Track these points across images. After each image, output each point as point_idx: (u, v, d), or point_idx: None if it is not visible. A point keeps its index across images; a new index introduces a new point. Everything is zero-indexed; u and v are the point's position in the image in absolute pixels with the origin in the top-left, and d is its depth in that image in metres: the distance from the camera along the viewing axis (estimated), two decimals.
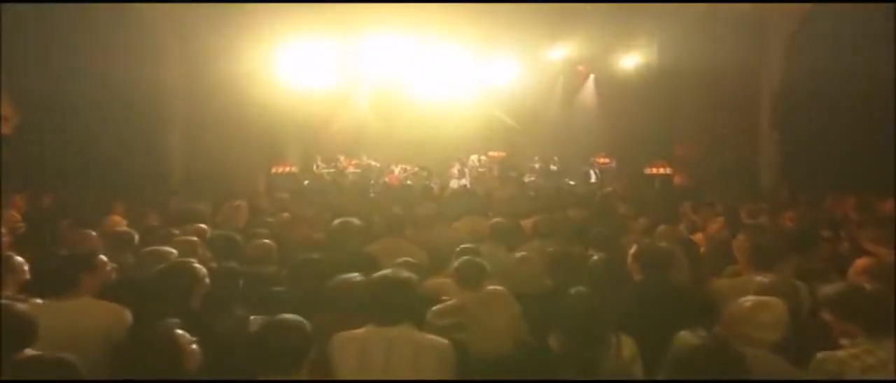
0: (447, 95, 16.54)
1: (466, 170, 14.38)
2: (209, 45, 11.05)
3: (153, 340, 2.18)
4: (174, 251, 3.63)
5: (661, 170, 12.76)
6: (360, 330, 2.52)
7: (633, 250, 3.31)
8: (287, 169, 13.27)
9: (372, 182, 13.50)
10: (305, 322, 2.27)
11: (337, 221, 4.35)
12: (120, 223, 5.14)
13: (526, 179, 14.45)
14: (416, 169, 15.09)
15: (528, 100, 16.45)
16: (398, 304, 2.54)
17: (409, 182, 13.23)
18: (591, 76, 16.26)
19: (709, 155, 11.83)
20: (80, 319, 2.70)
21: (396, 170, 14.53)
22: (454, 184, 12.14)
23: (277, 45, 12.53)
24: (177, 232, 4.39)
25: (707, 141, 11.91)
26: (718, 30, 11.20)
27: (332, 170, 14.33)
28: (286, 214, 5.52)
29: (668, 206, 6.16)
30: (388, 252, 4.00)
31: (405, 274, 2.70)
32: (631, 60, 14.94)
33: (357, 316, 2.61)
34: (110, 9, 9.33)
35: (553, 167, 14.67)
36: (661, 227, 4.46)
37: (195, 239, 4.06)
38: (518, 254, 4.03)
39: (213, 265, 3.49)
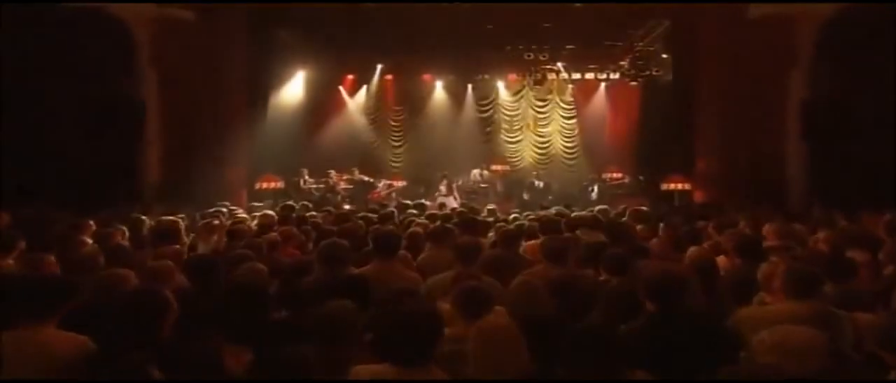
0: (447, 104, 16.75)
1: (455, 186, 14.40)
2: (188, 55, 11.18)
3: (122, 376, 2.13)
4: (131, 273, 3.59)
5: (680, 186, 12.72)
6: (380, 367, 2.46)
7: (642, 277, 3.24)
8: (271, 184, 13.22)
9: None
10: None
11: (325, 243, 4.29)
12: (85, 244, 5.10)
13: (525, 196, 14.46)
14: (403, 184, 15.12)
15: (532, 109, 16.60)
16: (426, 343, 2.49)
17: (394, 198, 13.25)
18: (602, 85, 16.36)
19: (732, 169, 11.81)
20: (43, 352, 2.65)
21: (379, 187, 14.49)
22: (440, 201, 12.10)
23: (260, 53, 12.59)
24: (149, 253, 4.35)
25: (730, 153, 11.90)
26: (741, 32, 11.25)
27: (322, 186, 14.27)
28: (273, 234, 5.44)
29: (688, 225, 6.11)
30: (379, 275, 3.96)
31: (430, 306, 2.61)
32: (647, 67, 15.04)
33: (350, 348, 2.55)
34: (87, 19, 9.43)
35: (538, 183, 14.62)
36: (692, 250, 4.41)
37: (169, 262, 4.02)
38: (520, 278, 3.96)
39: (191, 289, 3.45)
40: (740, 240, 4.45)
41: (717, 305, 3.64)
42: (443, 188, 14.34)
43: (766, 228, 5.36)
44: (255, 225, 6.69)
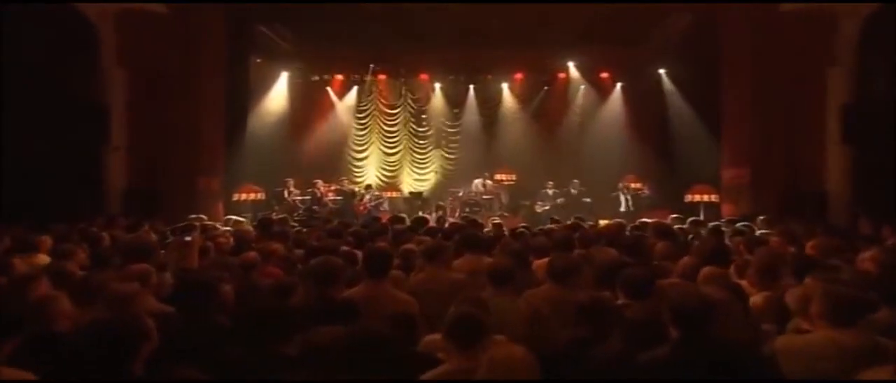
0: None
1: (449, 199, 14.37)
2: (160, 53, 11.23)
3: None
4: (61, 296, 3.50)
5: (707, 197, 12.66)
6: None
7: (666, 300, 3.19)
8: (252, 195, 13.19)
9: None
10: None
11: (318, 261, 4.26)
12: (41, 262, 5.02)
13: (538, 209, 14.39)
14: (394, 195, 15.08)
15: (541, 111, 16.57)
16: None
17: (382, 209, 13.21)
18: (618, 85, 16.36)
19: (764, 178, 11.75)
20: None
21: (367, 198, 14.47)
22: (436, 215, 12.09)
23: (239, 51, 12.65)
24: (113, 274, 4.27)
25: (762, 161, 11.85)
26: (774, 28, 11.24)
27: (308, 197, 14.29)
28: (252, 253, 5.40)
29: (715, 242, 6.03)
30: (370, 299, 3.94)
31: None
32: (667, 66, 15.01)
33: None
34: (46, 15, 9.44)
35: (573, 190, 14.61)
36: (706, 269, 4.33)
37: (137, 284, 3.93)
38: (524, 302, 3.94)
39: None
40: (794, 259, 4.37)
41: (750, 332, 3.59)
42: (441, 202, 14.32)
43: (807, 245, 5.28)
44: (231, 241, 6.62)
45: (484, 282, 4.31)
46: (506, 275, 4.24)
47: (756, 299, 4.05)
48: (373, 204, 14.46)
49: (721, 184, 12.77)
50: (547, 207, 14.33)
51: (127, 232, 7.44)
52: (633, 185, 14.78)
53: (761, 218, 8.40)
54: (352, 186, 14.97)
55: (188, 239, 6.08)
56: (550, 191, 14.72)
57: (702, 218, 9.56)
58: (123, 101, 11.19)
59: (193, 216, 8.87)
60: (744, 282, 4.39)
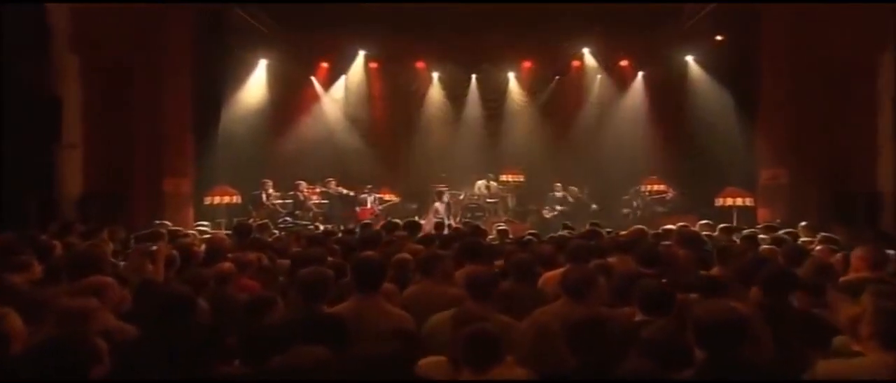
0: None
1: (448, 201, 14.48)
2: (120, 38, 11.25)
3: None
4: (10, 313, 3.47)
5: (740, 201, 12.63)
6: None
7: (691, 317, 3.21)
8: (226, 199, 13.16)
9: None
10: None
11: (305, 272, 4.30)
12: None
13: (546, 213, 14.39)
14: (397, 200, 15.07)
15: (552, 104, 16.57)
16: None
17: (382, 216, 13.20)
18: (640, 74, 16.34)
19: (805, 179, 11.73)
20: None
21: (369, 202, 14.43)
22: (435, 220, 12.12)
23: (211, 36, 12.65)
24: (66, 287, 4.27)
25: (802, 160, 11.82)
26: (816, 8, 11.21)
27: (290, 201, 14.27)
28: (226, 264, 5.39)
29: (752, 252, 6.02)
30: (360, 315, 3.96)
31: None
32: (695, 52, 14.97)
33: None
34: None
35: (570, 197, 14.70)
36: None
37: (93, 299, 3.92)
38: (533, 320, 3.97)
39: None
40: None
41: (789, 355, 3.60)
42: (438, 206, 14.36)
43: (854, 255, 5.26)
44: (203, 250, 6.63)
45: None
46: (484, 285, 4.25)
47: (798, 316, 4.03)
48: (381, 207, 14.46)
49: (756, 185, 12.77)
50: (556, 212, 14.33)
51: (82, 240, 7.41)
52: (655, 188, 14.78)
53: (803, 224, 8.38)
54: (339, 189, 14.94)
55: (154, 247, 6.09)
56: (559, 194, 14.74)
57: (735, 224, 9.55)
58: (78, 93, 11.13)
59: (158, 222, 8.85)
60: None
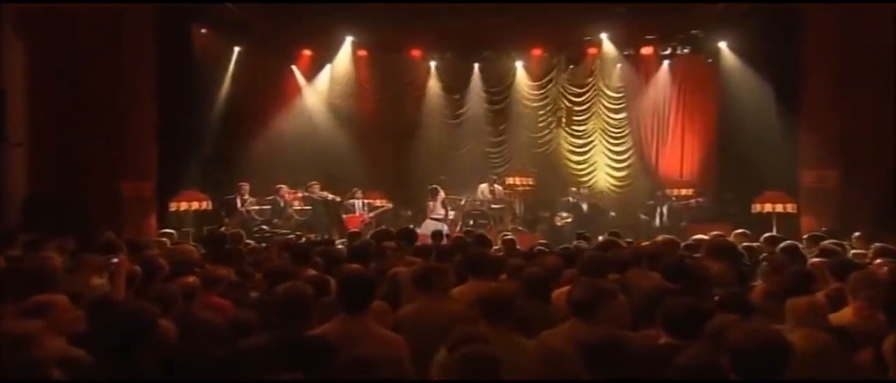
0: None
1: (445, 203, 14.61)
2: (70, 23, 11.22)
3: None
4: None
5: (781, 207, 12.61)
6: None
7: (726, 341, 3.24)
8: (194, 204, 13.11)
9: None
10: None
11: (282, 289, 4.37)
12: None
13: (558, 221, 14.40)
14: (389, 206, 15.10)
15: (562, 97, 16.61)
16: None
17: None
18: (665, 63, 16.35)
19: (854, 183, 11.70)
20: None
21: (357, 208, 14.40)
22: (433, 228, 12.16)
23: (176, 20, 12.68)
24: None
25: (851, 161, 11.79)
26: None
27: (268, 206, 14.32)
28: (192, 279, 5.39)
29: (796, 265, 5.97)
30: (344, 339, 3.98)
31: None
32: (729, 37, 14.92)
33: None
34: None
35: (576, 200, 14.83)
36: (790, 302, 4.32)
37: (40, 321, 3.89)
38: (539, 343, 4.00)
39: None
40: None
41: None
42: (435, 206, 14.38)
43: None
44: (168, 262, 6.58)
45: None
46: (502, 305, 4.28)
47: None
48: (371, 214, 14.44)
49: (799, 189, 12.75)
50: (569, 220, 14.33)
51: (26, 251, 7.36)
52: (682, 192, 14.80)
53: (857, 235, 8.34)
54: (324, 193, 14.93)
55: (115, 260, 6.05)
56: (572, 200, 14.74)
57: (776, 233, 9.51)
58: (24, 84, 11.11)
59: (111, 232, 8.80)
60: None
